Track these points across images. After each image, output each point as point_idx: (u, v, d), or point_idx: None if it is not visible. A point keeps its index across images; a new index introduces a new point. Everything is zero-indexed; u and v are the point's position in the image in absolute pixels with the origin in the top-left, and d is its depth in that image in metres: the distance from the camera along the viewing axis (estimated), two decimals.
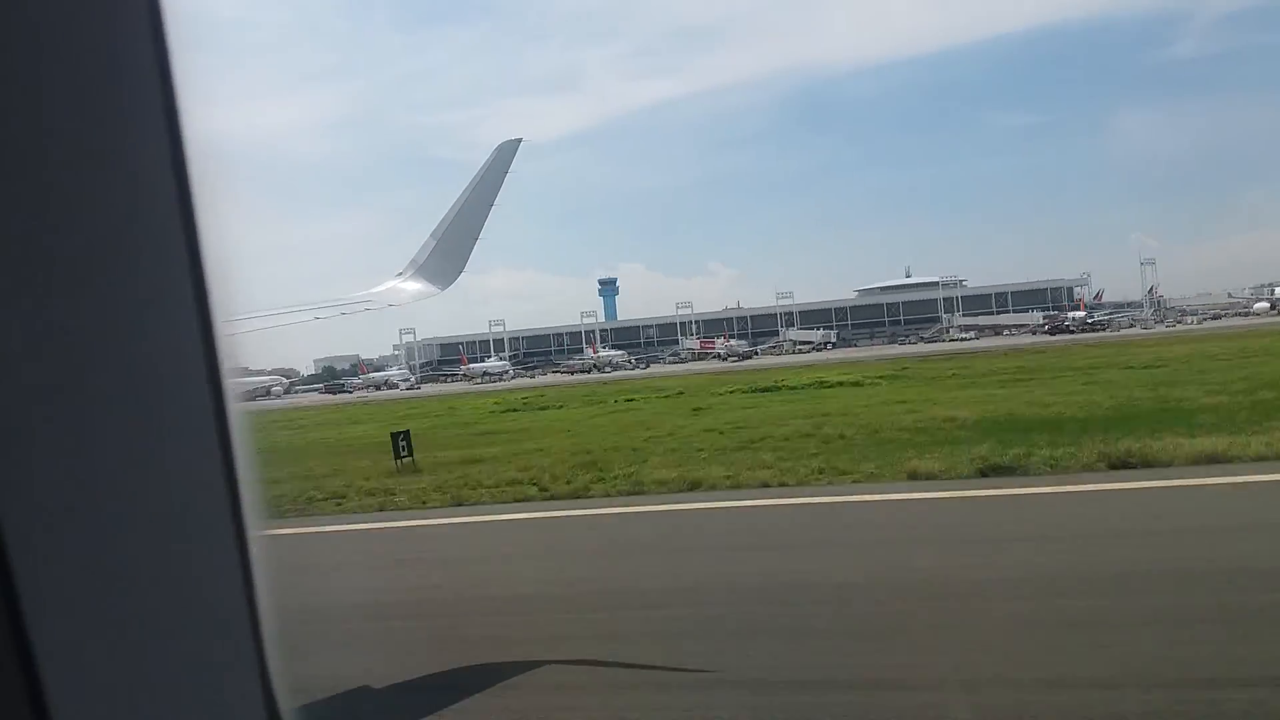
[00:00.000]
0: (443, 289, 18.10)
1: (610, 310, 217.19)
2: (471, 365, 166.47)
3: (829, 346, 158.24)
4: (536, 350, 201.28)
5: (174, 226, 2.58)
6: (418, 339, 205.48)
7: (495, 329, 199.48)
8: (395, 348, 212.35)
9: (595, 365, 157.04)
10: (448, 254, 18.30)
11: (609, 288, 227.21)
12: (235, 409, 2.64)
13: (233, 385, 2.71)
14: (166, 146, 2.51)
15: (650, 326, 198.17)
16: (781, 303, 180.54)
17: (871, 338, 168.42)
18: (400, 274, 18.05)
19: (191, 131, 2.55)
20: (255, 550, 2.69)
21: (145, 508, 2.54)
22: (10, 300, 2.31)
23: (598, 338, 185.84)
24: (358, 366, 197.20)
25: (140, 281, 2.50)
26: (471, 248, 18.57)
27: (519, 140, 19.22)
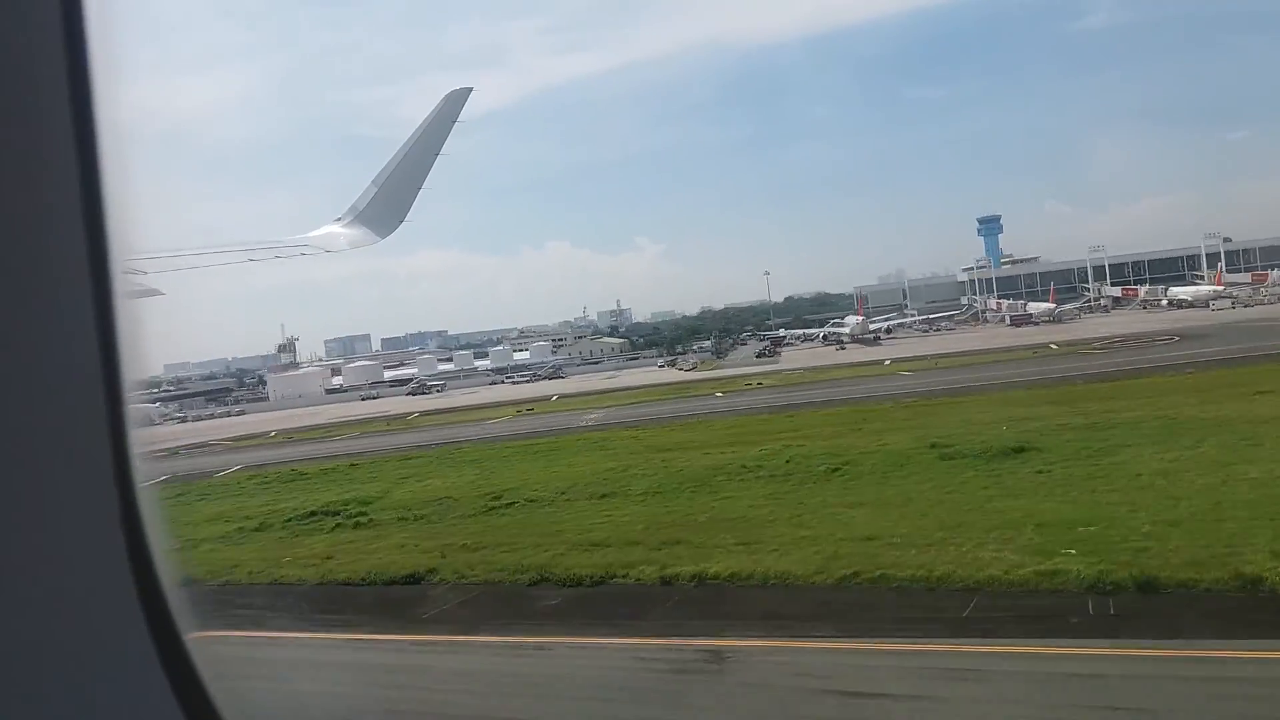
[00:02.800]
0: (382, 237, 18.11)
1: (993, 253, 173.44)
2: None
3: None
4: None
5: (76, 216, 2.59)
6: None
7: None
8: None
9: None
10: (389, 202, 18.25)
11: (991, 225, 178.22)
12: (131, 406, 2.75)
13: (131, 383, 2.75)
14: (71, 130, 2.55)
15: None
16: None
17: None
18: (339, 219, 17.84)
19: (102, 113, 2.59)
20: (154, 548, 2.88)
21: (32, 507, 2.59)
22: None
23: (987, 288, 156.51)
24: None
25: (39, 271, 2.54)
26: (414, 196, 18.60)
27: (469, 90, 19.12)
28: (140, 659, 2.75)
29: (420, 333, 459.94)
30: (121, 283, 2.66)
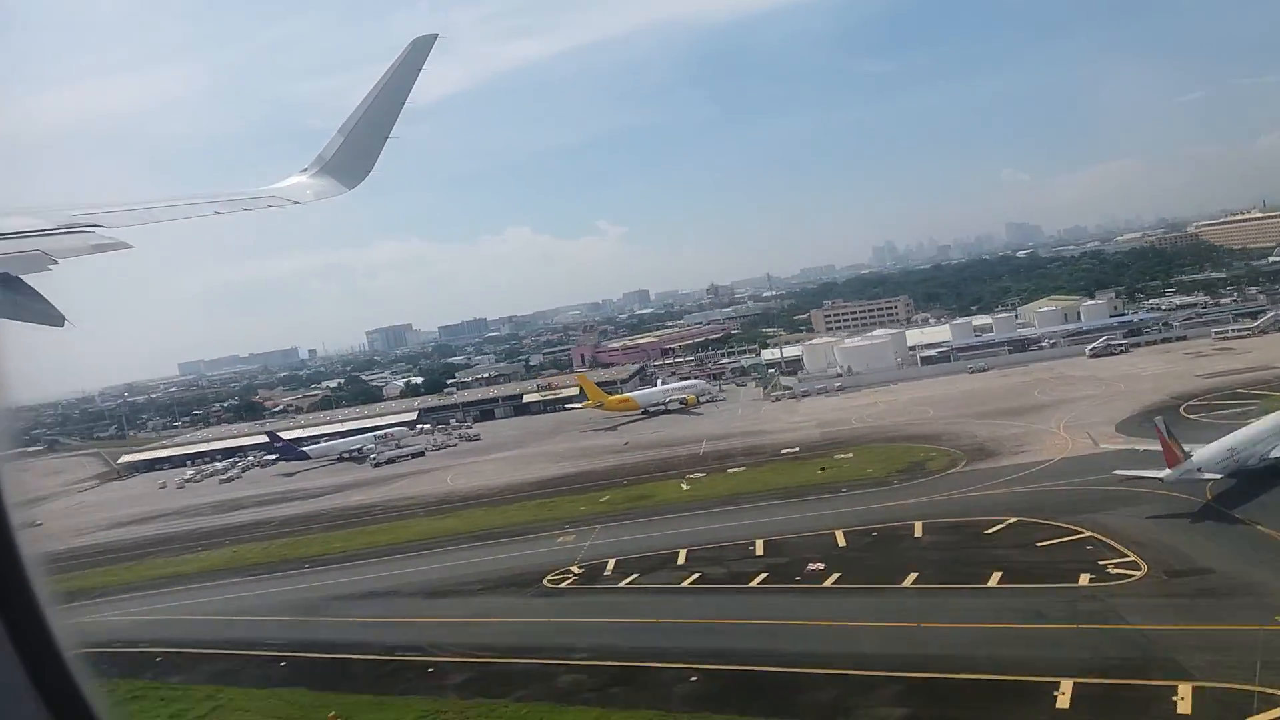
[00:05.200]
0: (350, 188, 17.53)
1: None
2: None
3: None
4: None
5: None
6: None
7: None
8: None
9: None
10: (355, 151, 17.57)
11: None
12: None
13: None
14: None
15: None
16: None
17: None
18: (305, 170, 16.99)
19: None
20: (21, 550, 2.76)
21: None
22: None
23: None
24: None
25: None
26: (382, 145, 18.06)
27: (434, 36, 18.32)
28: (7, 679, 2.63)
29: (476, 319, 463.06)
30: None
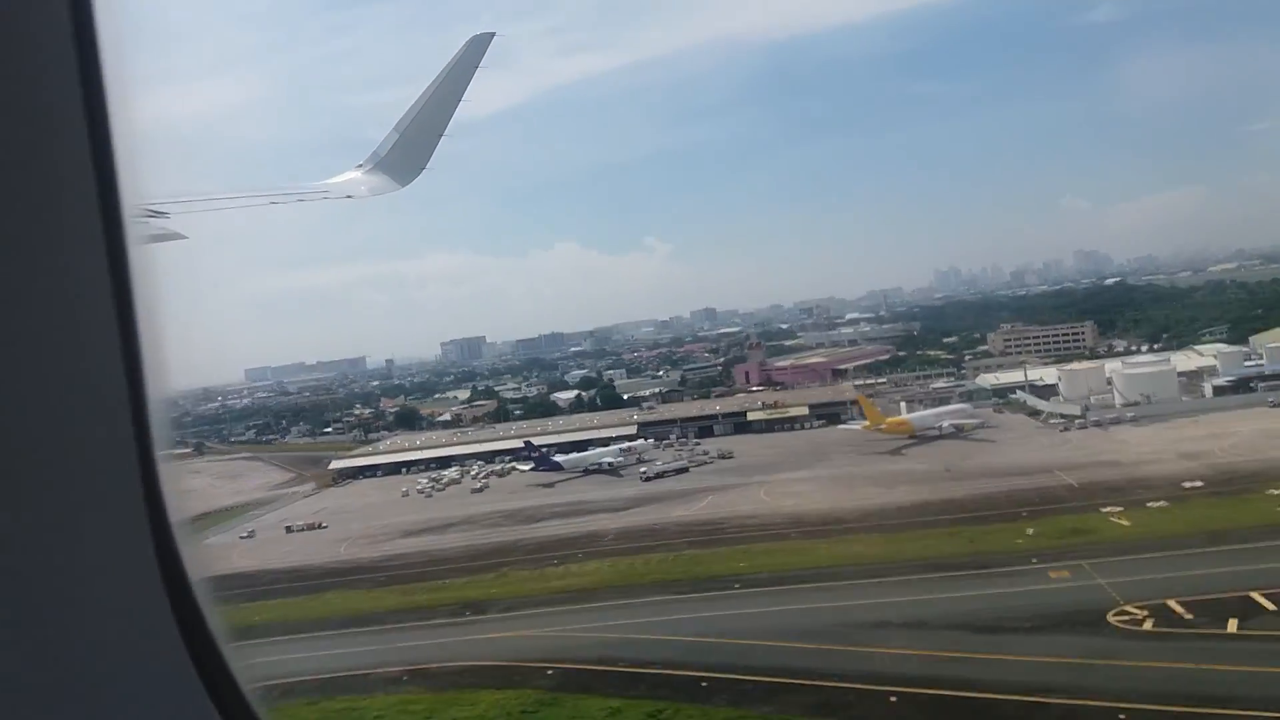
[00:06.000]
0: (403, 185, 18.71)
1: None
2: None
3: None
4: None
5: (95, 219, 2.69)
6: None
7: None
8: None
9: None
10: (410, 149, 18.83)
11: None
12: (156, 409, 2.84)
13: (156, 386, 2.83)
14: (87, 140, 2.64)
15: None
16: None
17: None
18: (360, 166, 18.86)
19: (117, 123, 2.70)
20: (181, 544, 2.95)
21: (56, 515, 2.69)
22: None
23: None
24: None
25: (57, 280, 2.66)
26: (436, 144, 19.14)
27: (491, 35, 19.34)
28: (175, 668, 2.80)
29: (555, 334, 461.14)
30: (143, 296, 2.75)
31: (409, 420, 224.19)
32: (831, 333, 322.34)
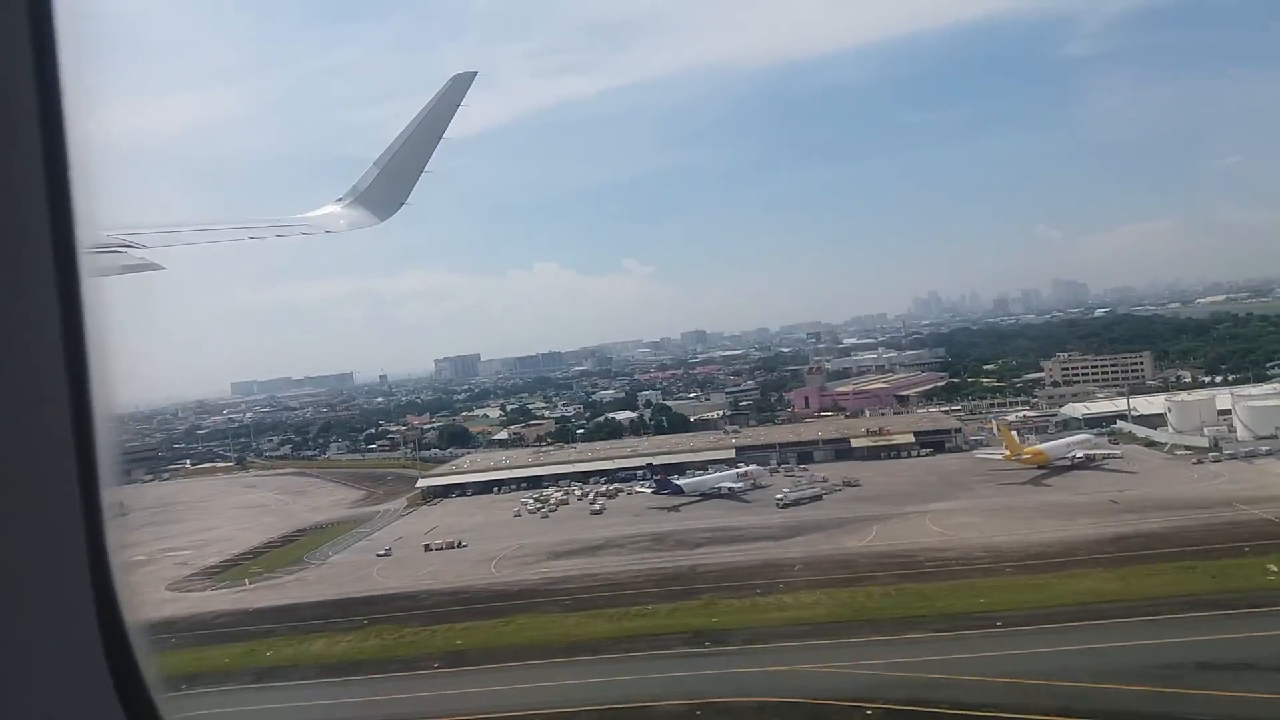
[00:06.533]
0: (382, 219, 18.94)
1: None
2: None
3: None
4: None
5: (46, 249, 2.58)
6: None
7: None
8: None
9: None
10: (391, 183, 19.05)
11: None
12: (101, 413, 2.78)
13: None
14: (39, 148, 2.54)
15: None
16: None
17: None
18: (340, 200, 19.16)
19: (74, 133, 2.62)
20: (112, 542, 2.92)
21: None
22: None
23: None
24: None
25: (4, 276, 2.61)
26: (416, 179, 19.31)
27: (473, 74, 19.32)
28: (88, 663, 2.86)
29: (552, 352, 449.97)
30: (93, 304, 2.68)
31: (461, 439, 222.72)
32: (855, 358, 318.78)
